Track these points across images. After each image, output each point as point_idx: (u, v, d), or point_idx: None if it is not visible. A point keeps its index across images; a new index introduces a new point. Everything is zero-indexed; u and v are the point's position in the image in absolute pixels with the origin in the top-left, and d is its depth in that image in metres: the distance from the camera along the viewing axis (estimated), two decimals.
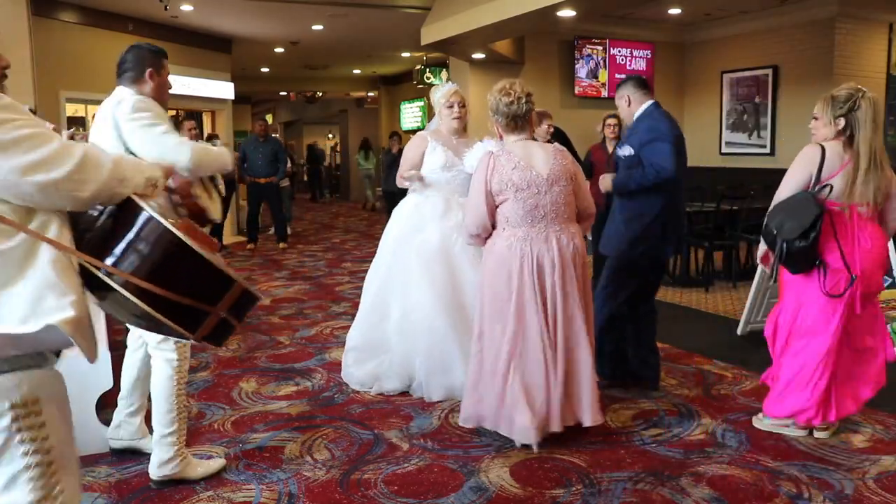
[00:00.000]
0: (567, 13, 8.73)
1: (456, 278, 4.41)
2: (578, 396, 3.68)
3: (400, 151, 12.65)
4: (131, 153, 3.01)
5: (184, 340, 3.02)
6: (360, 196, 20.37)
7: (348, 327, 6.16)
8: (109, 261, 1.77)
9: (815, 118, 3.66)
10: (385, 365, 4.53)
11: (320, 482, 3.37)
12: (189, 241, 1.82)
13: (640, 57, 12.19)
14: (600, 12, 10.92)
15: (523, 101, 3.63)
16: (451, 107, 4.58)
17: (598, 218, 4.16)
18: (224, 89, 13.32)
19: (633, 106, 4.45)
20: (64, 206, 1.77)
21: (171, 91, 3.41)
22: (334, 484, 3.35)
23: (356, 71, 19.18)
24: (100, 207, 1.87)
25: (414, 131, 17.67)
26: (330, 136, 27.52)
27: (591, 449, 3.68)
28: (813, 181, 3.55)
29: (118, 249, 1.80)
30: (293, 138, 27.91)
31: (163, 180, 2.05)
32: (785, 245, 3.50)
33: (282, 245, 11.43)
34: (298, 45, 14.19)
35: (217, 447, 3.75)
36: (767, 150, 11.35)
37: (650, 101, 4.42)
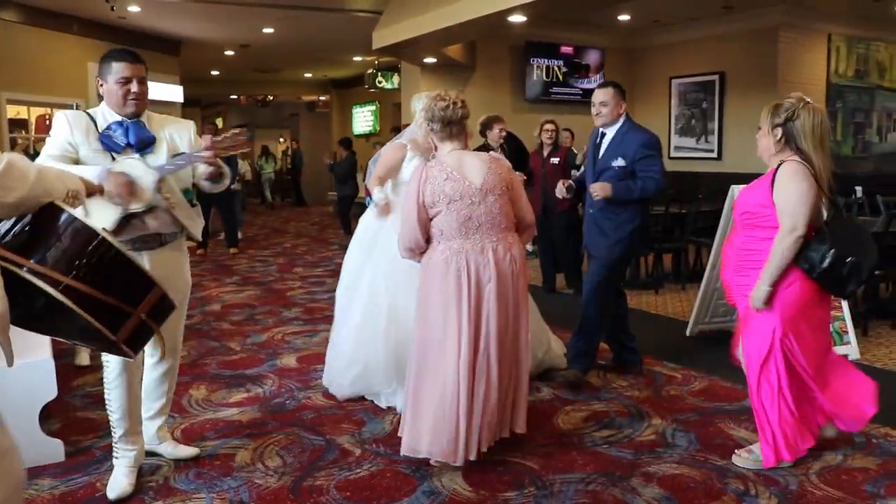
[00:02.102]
0: (518, 18, 8.80)
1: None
2: (513, 406, 3.62)
3: (348, 158, 12.65)
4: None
5: (98, 349, 2.94)
6: (315, 199, 20.31)
7: (300, 333, 6.14)
8: (34, 259, 1.79)
9: (760, 127, 3.51)
10: (380, 375, 4.40)
11: (272, 489, 3.33)
12: (111, 239, 1.86)
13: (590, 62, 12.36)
14: (551, 18, 11.03)
15: (458, 105, 3.53)
16: None
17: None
18: (172, 92, 13.14)
19: (614, 112, 4.62)
20: None
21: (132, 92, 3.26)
22: (286, 491, 3.31)
23: (307, 74, 19.08)
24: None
25: (366, 135, 17.71)
26: (281, 139, 27.29)
27: (543, 451, 3.70)
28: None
29: (41, 249, 1.81)
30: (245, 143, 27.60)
31: (84, 193, 2.08)
32: (871, 271, 3.37)
33: (232, 250, 11.30)
34: (249, 48, 14.07)
35: (161, 457, 3.68)
36: (715, 155, 11.59)
37: (625, 112, 4.71)
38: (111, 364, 3.25)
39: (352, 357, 4.43)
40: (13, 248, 1.81)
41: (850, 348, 5.29)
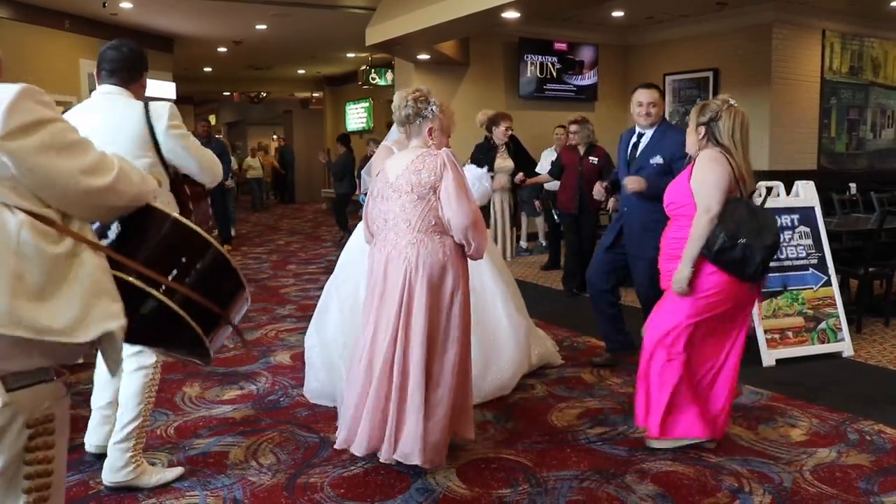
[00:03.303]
0: (511, 15, 8.78)
1: None
2: (397, 426, 3.32)
3: (346, 156, 12.64)
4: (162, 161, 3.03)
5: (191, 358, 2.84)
6: (308, 197, 20.27)
7: (293, 330, 6.13)
8: (141, 262, 1.73)
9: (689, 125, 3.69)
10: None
11: (266, 487, 3.32)
12: (213, 240, 1.81)
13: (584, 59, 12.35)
14: (545, 14, 11.02)
15: (407, 104, 3.41)
16: None
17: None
18: (165, 89, 13.07)
19: (660, 112, 4.77)
20: (97, 215, 1.74)
21: None
22: (280, 489, 3.30)
23: (301, 71, 19.02)
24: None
25: (360, 132, 17.68)
26: (274, 136, 27.25)
27: (537, 449, 3.70)
28: (732, 187, 3.48)
29: (148, 254, 1.76)
30: (237, 139, 27.54)
31: (159, 190, 2.06)
32: (767, 253, 3.40)
33: (226, 247, 11.25)
34: (242, 44, 14.02)
35: (160, 454, 3.67)
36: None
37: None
38: (153, 369, 3.23)
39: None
40: (121, 252, 1.75)
41: (844, 345, 5.30)
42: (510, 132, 7.03)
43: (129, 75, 3.15)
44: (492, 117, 7.14)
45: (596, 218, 7.62)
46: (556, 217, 8.27)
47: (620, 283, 5.07)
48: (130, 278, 1.70)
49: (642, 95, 4.73)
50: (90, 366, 3.55)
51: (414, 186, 3.32)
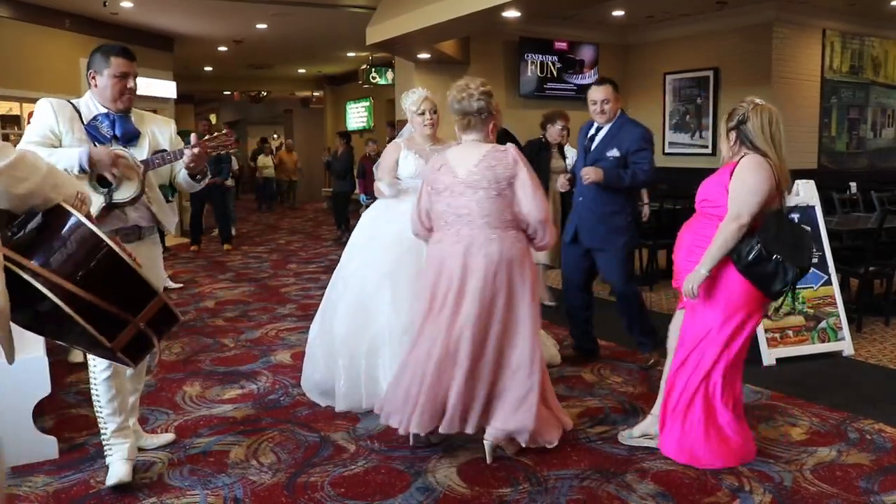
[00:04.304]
0: (512, 14, 8.79)
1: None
2: (498, 407, 3.50)
3: (346, 153, 12.62)
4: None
5: (99, 356, 2.92)
6: (308, 196, 20.26)
7: (294, 329, 6.13)
8: (36, 262, 1.77)
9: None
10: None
11: (266, 486, 3.32)
12: (116, 248, 1.84)
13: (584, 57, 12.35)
14: (545, 14, 11.02)
15: (475, 97, 3.46)
16: (423, 114, 4.42)
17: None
18: (166, 88, 13.09)
19: (614, 108, 4.79)
20: None
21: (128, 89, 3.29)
22: (280, 488, 3.31)
23: (301, 70, 19.03)
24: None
25: (360, 131, 17.69)
26: (275, 136, 27.24)
27: (537, 447, 3.70)
28: (774, 194, 3.39)
29: (44, 252, 1.80)
30: (238, 138, 27.55)
31: (90, 199, 2.10)
32: (797, 273, 3.30)
33: (226, 246, 11.28)
34: (242, 43, 14.02)
35: (160, 452, 3.67)
36: (709, 151, 11.58)
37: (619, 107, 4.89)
38: (97, 360, 3.23)
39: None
40: (18, 247, 1.80)
41: (844, 344, 5.30)
42: (566, 131, 6.77)
43: (87, 77, 3.29)
44: (548, 115, 6.85)
45: None
46: None
47: (593, 277, 5.16)
48: (24, 274, 1.75)
49: (595, 93, 4.78)
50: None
51: (491, 182, 3.40)
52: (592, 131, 4.90)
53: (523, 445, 3.55)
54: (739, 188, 3.33)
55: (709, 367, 3.46)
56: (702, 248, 3.41)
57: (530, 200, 3.43)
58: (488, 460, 3.52)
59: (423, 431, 3.52)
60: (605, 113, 4.76)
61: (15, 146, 1.91)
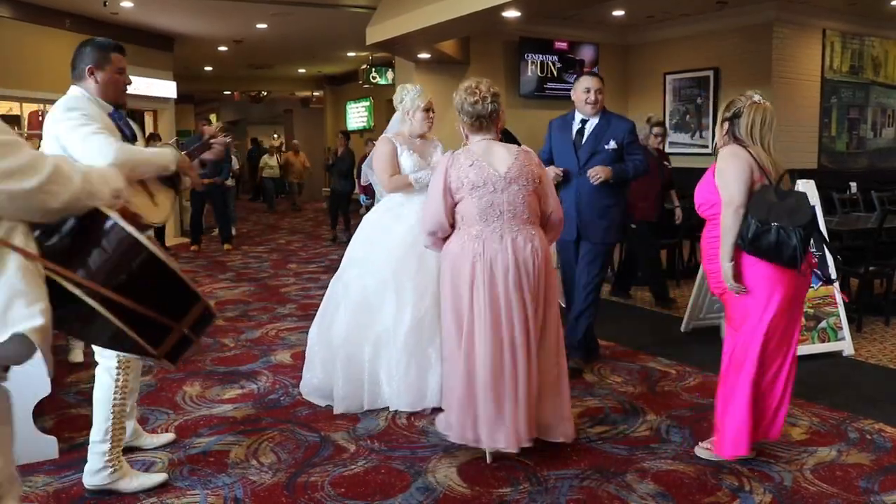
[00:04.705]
0: (512, 14, 8.79)
1: (425, 276, 4.23)
2: (538, 407, 3.54)
3: (346, 152, 12.58)
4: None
5: (142, 358, 2.91)
6: (306, 197, 20.23)
7: (294, 329, 6.13)
8: (80, 272, 1.71)
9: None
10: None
11: (266, 486, 3.32)
12: (160, 254, 1.79)
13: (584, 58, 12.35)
14: (545, 14, 11.02)
15: (488, 100, 3.52)
16: (428, 111, 4.46)
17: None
18: (166, 88, 13.07)
19: (603, 99, 4.84)
20: (32, 217, 1.72)
21: (125, 84, 3.29)
22: (280, 488, 3.31)
23: (301, 70, 19.03)
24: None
25: (360, 131, 17.68)
26: (275, 136, 27.24)
27: (537, 447, 3.69)
28: (757, 177, 3.44)
29: (86, 260, 1.74)
30: (237, 138, 27.55)
31: (124, 190, 2.01)
32: (803, 233, 3.30)
33: (226, 246, 11.27)
34: (242, 43, 14.02)
35: (160, 452, 3.67)
36: (709, 150, 11.59)
37: None
38: (126, 371, 3.22)
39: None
40: (56, 254, 1.74)
41: (845, 344, 5.30)
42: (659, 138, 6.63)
43: (76, 73, 3.21)
44: (653, 122, 6.79)
45: (650, 225, 7.11)
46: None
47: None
48: (66, 284, 1.69)
49: (589, 81, 4.81)
50: (91, 365, 3.54)
51: (528, 179, 3.51)
52: (578, 124, 4.87)
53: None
54: (722, 178, 3.45)
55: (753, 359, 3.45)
56: (715, 247, 3.49)
57: (552, 199, 3.65)
58: (489, 460, 3.52)
59: (515, 447, 3.45)
60: (597, 103, 4.77)
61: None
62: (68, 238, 1.79)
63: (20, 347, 1.60)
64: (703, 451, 3.62)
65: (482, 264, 3.43)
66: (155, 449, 3.70)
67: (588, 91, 4.76)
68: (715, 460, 3.52)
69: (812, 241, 3.41)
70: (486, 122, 3.57)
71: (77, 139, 2.95)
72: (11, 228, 1.65)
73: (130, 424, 3.58)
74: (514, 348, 3.42)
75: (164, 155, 3.19)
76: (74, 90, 3.18)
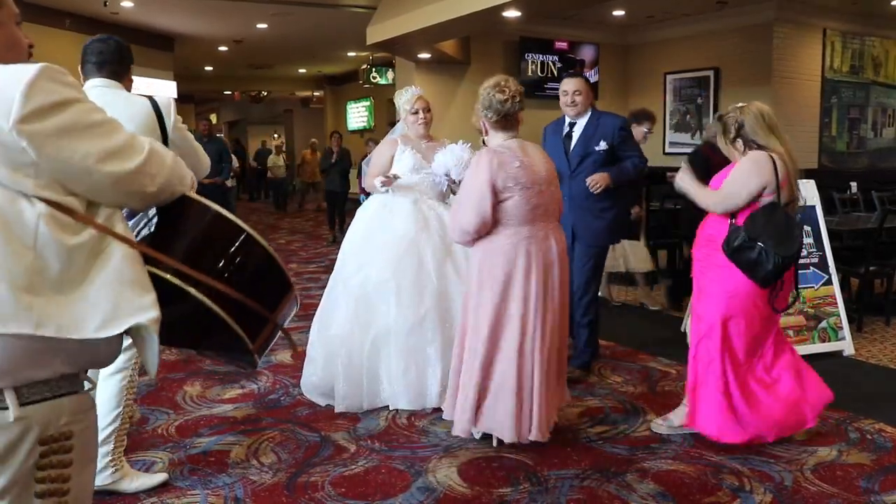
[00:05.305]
0: (512, 14, 8.79)
1: (425, 275, 4.24)
2: (560, 394, 3.77)
3: (339, 151, 12.55)
4: None
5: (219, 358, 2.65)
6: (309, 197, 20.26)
7: (294, 329, 6.08)
8: (183, 261, 1.56)
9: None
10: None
11: (266, 486, 3.32)
12: (257, 236, 1.66)
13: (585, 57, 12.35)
14: (545, 13, 11.02)
15: (517, 99, 3.59)
16: (416, 113, 4.47)
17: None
18: (166, 88, 13.09)
19: (587, 101, 4.78)
20: (128, 202, 1.57)
21: None
22: (281, 487, 3.31)
23: (301, 70, 19.04)
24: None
25: (360, 131, 17.69)
26: (275, 136, 27.26)
27: (538, 447, 3.69)
28: (770, 190, 3.50)
29: (184, 249, 1.61)
30: (237, 138, 27.55)
31: (195, 179, 1.87)
32: (781, 261, 3.42)
33: None
34: (242, 43, 14.03)
35: (161, 452, 3.67)
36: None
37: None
38: (131, 371, 3.21)
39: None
40: (153, 245, 1.58)
41: (845, 344, 5.30)
42: (650, 133, 6.47)
43: (119, 68, 3.05)
44: (636, 113, 6.55)
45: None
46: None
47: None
48: (166, 275, 1.54)
49: (567, 84, 4.77)
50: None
51: (553, 177, 3.66)
52: (567, 128, 4.85)
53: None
54: (734, 180, 3.56)
55: (717, 354, 3.62)
56: (711, 240, 3.62)
57: (560, 197, 3.78)
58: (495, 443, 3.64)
59: (543, 437, 3.58)
60: (575, 105, 4.72)
61: None
62: (157, 228, 1.66)
63: (117, 344, 1.48)
64: (658, 426, 3.89)
65: (536, 264, 3.52)
66: (155, 449, 3.70)
67: (566, 94, 4.74)
68: (680, 434, 3.79)
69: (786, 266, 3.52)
70: (511, 120, 3.62)
71: (193, 143, 3.10)
72: (111, 215, 1.51)
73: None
74: (554, 338, 3.60)
75: (184, 165, 3.22)
76: (118, 86, 3.05)
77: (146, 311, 1.45)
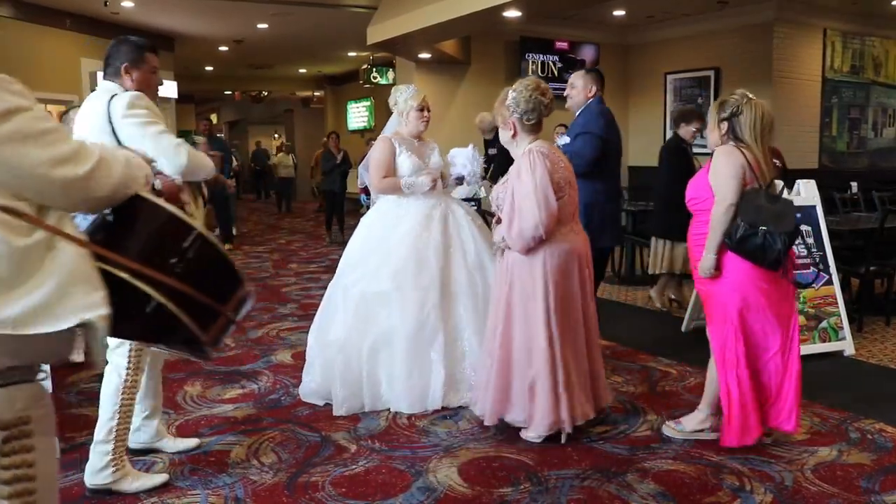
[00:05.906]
0: (512, 14, 8.78)
1: (428, 278, 4.23)
2: (595, 381, 3.91)
3: (335, 151, 12.49)
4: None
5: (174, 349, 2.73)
6: (307, 197, 20.24)
7: (294, 329, 6.13)
8: (134, 259, 1.63)
9: (708, 123, 3.78)
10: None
11: (267, 486, 3.32)
12: (207, 233, 1.73)
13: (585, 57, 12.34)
14: (545, 13, 11.01)
15: (552, 103, 3.73)
16: (422, 110, 4.46)
17: None
18: (167, 88, 13.06)
19: (577, 94, 4.87)
20: (78, 206, 1.64)
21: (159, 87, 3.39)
22: (281, 487, 3.31)
23: (302, 70, 19.03)
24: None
25: (360, 131, 17.67)
26: (276, 135, 27.24)
27: (538, 447, 3.70)
28: (748, 178, 3.53)
29: (133, 246, 1.67)
30: (237, 138, 27.54)
31: (151, 176, 1.94)
32: (788, 238, 3.44)
33: (227, 246, 11.25)
34: (243, 43, 14.02)
35: (161, 452, 3.67)
36: (710, 151, 11.54)
37: (596, 97, 4.90)
38: (135, 371, 3.20)
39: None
40: (100, 244, 1.64)
41: (845, 344, 5.30)
42: (699, 133, 6.34)
43: (111, 69, 3.21)
44: (684, 112, 6.46)
45: None
46: None
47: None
48: (118, 272, 1.60)
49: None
50: (90, 363, 3.55)
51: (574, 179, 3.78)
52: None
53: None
54: (717, 175, 3.57)
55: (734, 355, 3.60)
56: (700, 243, 3.62)
57: None
58: (563, 440, 3.74)
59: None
60: (570, 98, 4.86)
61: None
62: (110, 227, 1.72)
63: (73, 339, 1.53)
64: (669, 429, 3.86)
65: (583, 262, 3.72)
66: (154, 450, 3.69)
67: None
68: (681, 439, 3.76)
69: (797, 242, 3.59)
70: (541, 124, 3.73)
71: (148, 137, 2.99)
72: (61, 217, 1.58)
73: (153, 424, 3.61)
74: (588, 336, 3.82)
75: (210, 160, 3.30)
76: (114, 87, 3.17)
77: (95, 308, 1.52)
